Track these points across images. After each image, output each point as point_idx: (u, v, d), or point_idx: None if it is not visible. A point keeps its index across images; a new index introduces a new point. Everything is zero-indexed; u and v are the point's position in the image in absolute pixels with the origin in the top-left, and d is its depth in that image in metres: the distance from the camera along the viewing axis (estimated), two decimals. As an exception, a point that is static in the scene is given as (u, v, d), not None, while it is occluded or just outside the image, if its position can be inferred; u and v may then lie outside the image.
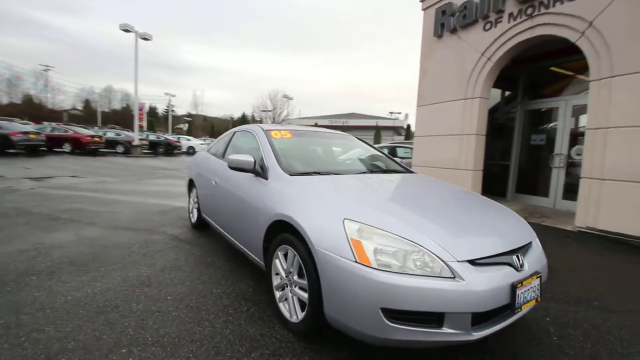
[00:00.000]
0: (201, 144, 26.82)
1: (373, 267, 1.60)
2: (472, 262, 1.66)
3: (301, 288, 2.02)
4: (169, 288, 2.61)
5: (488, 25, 6.16)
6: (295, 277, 2.05)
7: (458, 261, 1.62)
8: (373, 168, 3.19)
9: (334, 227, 1.80)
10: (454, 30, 6.82)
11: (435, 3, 7.19)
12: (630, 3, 4.26)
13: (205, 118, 78.72)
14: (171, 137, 24.43)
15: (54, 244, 3.49)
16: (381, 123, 39.87)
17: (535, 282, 1.83)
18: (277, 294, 2.26)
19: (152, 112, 64.77)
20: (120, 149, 19.07)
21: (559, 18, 5.06)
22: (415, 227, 1.75)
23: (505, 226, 2.06)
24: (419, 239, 1.67)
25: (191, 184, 4.49)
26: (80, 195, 6.29)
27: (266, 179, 2.54)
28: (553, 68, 6.80)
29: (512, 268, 1.76)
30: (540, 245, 2.12)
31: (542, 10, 5.27)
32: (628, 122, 4.29)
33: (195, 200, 4.28)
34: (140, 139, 19.68)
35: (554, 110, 6.53)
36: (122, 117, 55.94)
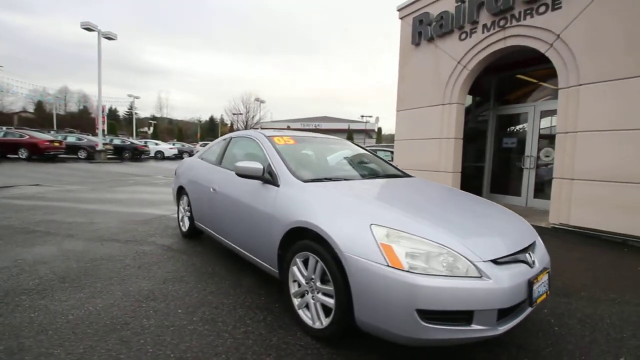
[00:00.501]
0: (170, 148, 25.83)
1: (406, 270, 1.66)
2: (495, 261, 1.77)
3: (325, 294, 2.04)
4: (177, 301, 2.52)
5: (463, 35, 6.51)
6: (318, 284, 2.06)
7: (483, 261, 1.72)
8: (378, 173, 3.26)
9: (361, 233, 1.84)
10: (431, 39, 7.13)
11: (413, 12, 7.49)
12: (593, 19, 4.70)
13: (170, 121, 75.88)
14: (138, 142, 23.30)
15: (37, 259, 3.24)
16: (353, 126, 40.53)
17: (545, 277, 1.98)
18: (296, 301, 2.26)
19: (113, 114, 61.41)
20: (82, 154, 17.91)
21: (530, 30, 5.46)
22: (439, 230, 1.83)
23: (513, 226, 2.21)
24: (446, 241, 1.75)
25: (181, 192, 4.34)
26: (50, 206, 5.86)
27: (277, 185, 2.53)
28: (519, 76, 7.31)
29: (526, 265, 1.89)
30: (542, 243, 2.29)
31: (514, 22, 5.67)
32: (595, 127, 4.71)
33: (187, 208, 4.14)
34: (105, 144, 18.60)
35: (523, 115, 7.01)
36: (79, 120, 52.56)
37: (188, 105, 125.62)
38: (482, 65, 6.42)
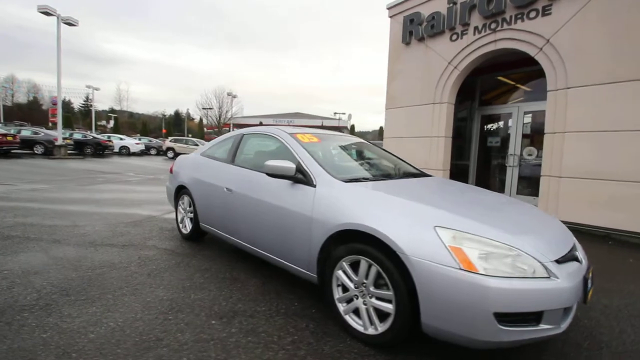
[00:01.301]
0: (136, 143, 24.39)
1: (481, 273, 1.63)
2: (557, 261, 1.79)
3: (379, 298, 1.97)
4: (206, 311, 2.33)
5: (455, 37, 6.67)
6: (372, 288, 1.99)
7: (550, 261, 1.74)
8: (406, 172, 3.21)
9: (426, 235, 1.79)
10: (421, 39, 7.24)
11: (403, 11, 7.56)
12: (581, 26, 4.99)
13: (131, 114, 71.59)
14: (101, 136, 21.74)
15: (27, 269, 2.87)
16: (326, 123, 40.58)
17: (591, 272, 2.04)
18: (341, 306, 2.17)
19: (67, 106, 56.84)
20: (39, 149, 16.39)
21: (520, 34, 5.69)
22: (501, 231, 1.82)
23: (556, 225, 2.26)
24: (513, 242, 1.75)
25: (180, 192, 4.06)
26: (19, 207, 5.26)
27: (312, 185, 2.42)
28: (500, 78, 7.64)
29: (578, 262, 1.93)
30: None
31: (505, 25, 5.88)
32: (582, 128, 5.02)
33: (189, 209, 3.89)
34: (64, 138, 17.14)
35: (507, 115, 7.33)
36: (28, 113, 48.14)
37: (151, 97, 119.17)
38: (472, 66, 6.61)
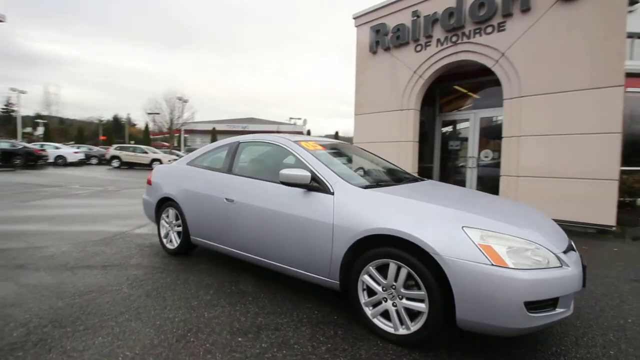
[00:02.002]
0: (75, 152, 22.10)
1: (510, 267, 1.79)
2: (564, 251, 2.02)
3: (410, 299, 2.05)
4: (227, 328, 2.23)
5: (419, 48, 7.12)
6: (402, 290, 2.07)
7: (561, 252, 1.96)
8: (408, 177, 3.35)
9: (456, 236, 1.92)
10: (387, 49, 7.61)
11: (369, 22, 7.89)
12: (532, 42, 5.64)
13: (61, 120, 64.59)
14: (32, 145, 19.35)
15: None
16: (282, 128, 40.44)
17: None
18: (368, 310, 2.22)
19: (-18, 112, 49.58)
20: (-46, 161, 14.09)
21: (478, 47, 6.26)
22: (517, 227, 2.01)
23: (550, 221, 2.54)
24: (531, 236, 1.94)
25: (164, 204, 3.81)
26: (-44, 230, 4.52)
27: (329, 193, 2.44)
28: (456, 87, 8.31)
29: (575, 252, 2.20)
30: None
31: (465, 39, 6.43)
32: (535, 132, 5.65)
33: (175, 222, 3.67)
34: (-13, 148, 14.98)
35: (465, 120, 7.97)
36: None
37: (83, 101, 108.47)
38: (435, 75, 7.11)
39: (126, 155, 20.70)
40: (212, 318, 2.36)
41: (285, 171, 2.52)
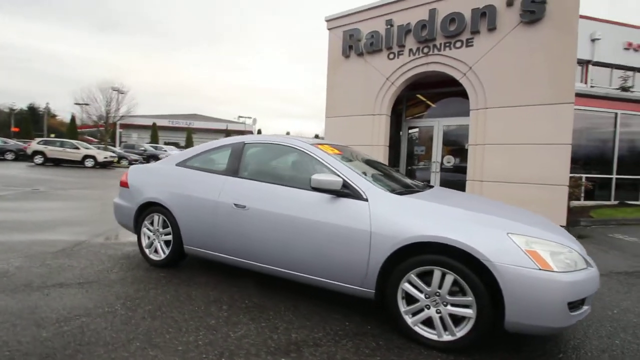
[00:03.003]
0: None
1: (555, 270, 1.91)
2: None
3: (455, 305, 2.08)
4: (263, 348, 2.04)
5: (392, 55, 7.37)
6: (448, 296, 2.09)
7: (585, 254, 2.15)
8: (424, 182, 3.40)
9: (504, 242, 1.99)
10: (361, 54, 7.75)
11: (343, 26, 7.95)
12: (496, 58, 6.17)
13: (-42, 107, 54.23)
14: None
15: (-41, 339, 1.97)
16: (231, 127, 38.93)
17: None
18: (409, 318, 2.20)
19: None
20: None
21: (448, 60, 6.69)
22: (549, 233, 2.16)
23: (559, 226, 2.78)
24: (563, 241, 2.10)
25: (146, 210, 3.39)
26: None
27: (364, 200, 2.38)
28: (419, 95, 8.80)
29: None
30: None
31: (435, 51, 6.82)
32: (498, 141, 6.19)
33: (163, 230, 3.30)
34: None
35: (429, 127, 8.45)
36: None
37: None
38: (407, 82, 7.42)
39: (52, 151, 18.10)
40: (240, 338, 2.14)
41: (317, 176, 2.40)
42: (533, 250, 1.96)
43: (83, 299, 2.57)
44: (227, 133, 37.19)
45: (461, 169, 7.64)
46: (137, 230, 3.53)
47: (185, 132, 38.51)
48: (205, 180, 3.08)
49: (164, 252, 3.32)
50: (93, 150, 18.68)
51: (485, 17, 6.18)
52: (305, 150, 2.81)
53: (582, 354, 2.15)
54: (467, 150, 7.32)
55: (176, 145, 35.55)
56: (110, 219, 5.41)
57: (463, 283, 2.03)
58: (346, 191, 2.44)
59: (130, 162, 20.78)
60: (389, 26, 7.29)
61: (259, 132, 37.74)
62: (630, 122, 9.94)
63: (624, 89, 11.58)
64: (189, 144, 36.65)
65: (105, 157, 18.36)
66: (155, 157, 23.95)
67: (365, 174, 2.70)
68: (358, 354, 2.03)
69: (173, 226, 3.21)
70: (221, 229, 2.91)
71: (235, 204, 2.82)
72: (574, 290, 1.92)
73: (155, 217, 3.35)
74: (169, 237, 3.27)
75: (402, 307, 2.22)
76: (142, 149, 24.75)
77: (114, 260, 3.51)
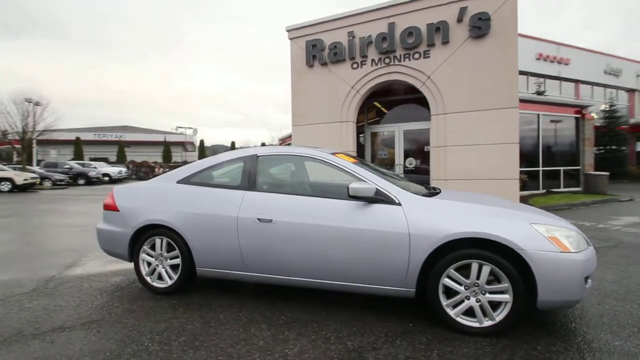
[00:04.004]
0: None
1: (572, 251, 2.24)
2: (580, 235, 2.63)
3: (492, 292, 2.31)
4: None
5: (355, 65, 7.72)
6: (486, 286, 2.31)
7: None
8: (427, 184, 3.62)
9: (530, 232, 2.28)
10: (324, 64, 7.97)
11: (305, 36, 8.10)
12: (450, 68, 6.84)
13: None
14: None
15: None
16: (169, 138, 36.50)
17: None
18: (450, 311, 2.38)
19: None
20: None
21: (408, 70, 7.23)
22: (555, 219, 2.51)
23: None
24: (569, 226, 2.46)
25: (144, 234, 3.11)
26: None
27: (397, 204, 2.51)
28: (381, 101, 9.32)
29: None
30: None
31: (396, 62, 7.32)
32: (457, 143, 6.85)
33: (168, 254, 3.06)
34: None
35: (390, 132, 8.98)
36: None
37: None
38: (371, 90, 7.82)
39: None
40: (299, 354, 2.10)
41: (355, 184, 2.47)
42: (553, 236, 2.27)
43: (100, 340, 2.28)
44: (166, 145, 34.83)
45: (422, 170, 8.25)
46: (132, 257, 3.21)
47: (116, 145, 35.09)
48: (220, 197, 2.94)
49: (170, 278, 3.07)
50: (9, 172, 16.05)
51: (440, 31, 6.83)
52: (327, 160, 2.85)
53: (588, 320, 2.54)
54: (427, 152, 7.96)
55: (105, 160, 32.19)
56: (63, 248, 4.81)
57: (499, 272, 2.27)
58: (379, 197, 2.54)
59: (55, 183, 18.29)
60: (351, 37, 7.62)
61: (202, 143, 36.01)
62: (548, 121, 11.71)
63: (539, 93, 13.60)
64: (121, 159, 33.48)
65: (26, 179, 15.90)
66: (84, 175, 21.43)
67: (389, 179, 2.83)
68: (416, 351, 2.13)
69: (181, 248, 2.99)
70: (243, 246, 2.80)
71: (258, 219, 2.75)
72: (587, 266, 2.27)
73: (157, 241, 3.09)
74: (176, 261, 3.04)
75: (444, 301, 2.39)
76: (67, 167, 21.87)
77: (107, 294, 3.13)
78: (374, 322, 2.52)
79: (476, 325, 2.33)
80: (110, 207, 3.31)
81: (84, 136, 35.46)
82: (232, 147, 37.26)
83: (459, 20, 6.69)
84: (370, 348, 2.17)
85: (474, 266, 2.31)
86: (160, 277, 3.11)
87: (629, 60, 17.06)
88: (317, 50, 7.95)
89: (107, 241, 3.33)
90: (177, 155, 37.00)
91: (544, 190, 10.83)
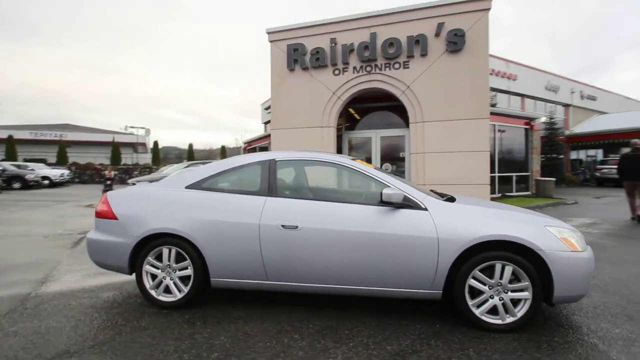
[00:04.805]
0: None
1: (580, 250, 2.49)
2: (576, 236, 2.92)
3: (514, 291, 2.48)
4: (374, 366, 2.04)
5: (337, 72, 7.84)
6: (509, 285, 2.47)
7: (582, 237, 2.84)
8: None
9: (545, 234, 2.49)
10: (306, 68, 8.00)
11: (286, 39, 8.07)
12: (428, 79, 7.23)
13: None
14: None
15: None
16: (119, 139, 33.80)
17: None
18: (476, 310, 2.51)
19: None
20: None
21: (389, 79, 7.51)
22: (562, 222, 2.77)
23: None
24: (572, 228, 2.73)
25: (148, 244, 2.88)
26: None
27: (423, 209, 2.61)
28: (350, 109, 9.55)
29: None
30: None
31: (377, 70, 7.57)
32: (434, 150, 7.24)
33: (177, 265, 2.87)
34: None
35: (368, 138, 9.22)
36: None
37: None
38: (352, 97, 7.99)
39: None
40: (344, 362, 2.09)
41: (387, 190, 2.53)
42: (564, 237, 2.51)
43: (122, 362, 2.06)
44: (115, 146, 32.21)
45: (398, 175, 8.59)
46: (133, 269, 2.95)
47: (56, 145, 31.73)
48: (239, 203, 2.82)
49: (179, 291, 2.87)
50: None
51: (419, 44, 7.20)
52: (350, 166, 2.87)
53: (585, 312, 2.82)
54: (402, 157, 8.30)
55: (43, 162, 28.97)
56: (26, 262, 4.31)
57: (520, 271, 2.44)
58: (407, 203, 2.61)
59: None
60: (333, 44, 7.74)
61: (156, 144, 33.80)
62: (502, 131, 12.80)
63: (492, 105, 14.82)
64: (61, 160, 30.32)
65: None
66: (20, 178, 19.13)
67: (410, 184, 2.92)
68: (453, 350, 2.22)
69: (193, 258, 2.81)
70: (266, 254, 2.71)
71: (282, 225, 2.68)
72: (591, 263, 2.53)
73: (165, 251, 2.87)
74: (187, 272, 2.85)
75: (470, 301, 2.52)
76: (0, 168, 19.39)
77: (104, 311, 2.84)
78: (404, 326, 2.57)
79: (499, 322, 2.48)
80: (105, 215, 3.01)
81: (19, 135, 31.61)
82: (190, 149, 35.50)
83: (437, 34, 7.11)
84: (410, 351, 2.21)
85: (498, 267, 2.47)
86: (167, 290, 2.89)
87: (564, 78, 19.32)
88: (298, 55, 7.96)
89: (102, 252, 3.02)
90: (126, 157, 34.34)
91: (500, 195, 11.78)
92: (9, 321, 2.63)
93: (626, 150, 7.41)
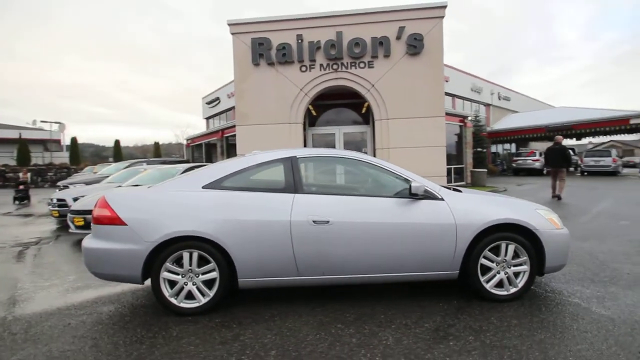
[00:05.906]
0: None
1: (562, 228, 3.03)
2: (549, 217, 3.51)
3: (515, 265, 2.92)
4: (423, 341, 2.26)
5: (304, 68, 7.90)
6: (512, 260, 2.90)
7: (554, 217, 3.42)
8: None
9: (536, 215, 2.97)
10: (272, 64, 7.90)
11: (250, 32, 7.86)
12: (392, 79, 7.71)
13: None
14: None
15: None
16: (26, 135, 28.93)
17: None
18: (486, 284, 2.89)
19: None
20: None
21: (355, 77, 7.82)
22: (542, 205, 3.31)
23: None
24: (550, 209, 3.28)
25: (166, 249, 2.71)
26: None
27: (440, 199, 2.90)
28: (310, 107, 9.73)
29: None
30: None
31: (343, 69, 7.82)
32: (398, 145, 7.77)
33: (200, 269, 2.75)
34: None
35: (331, 135, 9.47)
36: None
37: None
38: (319, 93, 8.13)
39: None
40: (397, 342, 2.26)
41: (415, 184, 2.74)
42: (550, 217, 3.02)
43: (179, 374, 1.95)
44: (22, 143, 27.53)
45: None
46: (146, 277, 2.73)
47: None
48: (266, 200, 2.79)
49: (204, 296, 2.75)
50: None
51: (382, 45, 7.63)
52: (372, 162, 3.04)
53: (558, 280, 3.41)
54: (364, 153, 8.69)
55: None
56: None
57: (520, 248, 2.88)
58: (427, 194, 2.88)
59: None
60: (299, 41, 7.77)
61: (74, 140, 29.56)
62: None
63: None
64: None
65: None
66: None
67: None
68: (479, 320, 2.55)
69: (218, 261, 2.72)
70: (297, 250, 2.74)
71: (314, 221, 2.74)
72: (569, 238, 3.09)
73: (186, 255, 2.72)
74: (211, 275, 2.74)
75: (481, 277, 2.89)
76: None
77: (118, 327, 2.59)
78: (430, 306, 2.83)
79: (504, 293, 2.90)
80: (108, 221, 2.73)
81: None
82: (117, 146, 31.89)
83: (398, 37, 7.61)
84: (446, 325, 2.48)
85: (503, 246, 2.88)
86: (189, 297, 2.74)
87: (485, 81, 22.03)
88: (264, 49, 7.82)
89: (106, 262, 2.73)
90: (37, 157, 29.61)
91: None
92: (6, 350, 2.26)
93: (550, 144, 8.83)
